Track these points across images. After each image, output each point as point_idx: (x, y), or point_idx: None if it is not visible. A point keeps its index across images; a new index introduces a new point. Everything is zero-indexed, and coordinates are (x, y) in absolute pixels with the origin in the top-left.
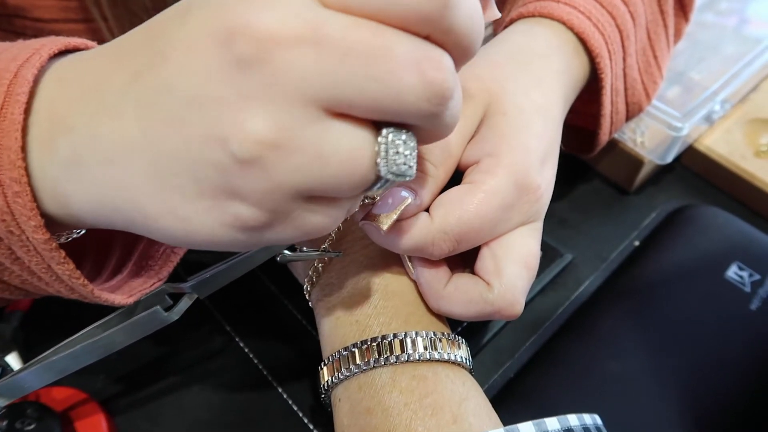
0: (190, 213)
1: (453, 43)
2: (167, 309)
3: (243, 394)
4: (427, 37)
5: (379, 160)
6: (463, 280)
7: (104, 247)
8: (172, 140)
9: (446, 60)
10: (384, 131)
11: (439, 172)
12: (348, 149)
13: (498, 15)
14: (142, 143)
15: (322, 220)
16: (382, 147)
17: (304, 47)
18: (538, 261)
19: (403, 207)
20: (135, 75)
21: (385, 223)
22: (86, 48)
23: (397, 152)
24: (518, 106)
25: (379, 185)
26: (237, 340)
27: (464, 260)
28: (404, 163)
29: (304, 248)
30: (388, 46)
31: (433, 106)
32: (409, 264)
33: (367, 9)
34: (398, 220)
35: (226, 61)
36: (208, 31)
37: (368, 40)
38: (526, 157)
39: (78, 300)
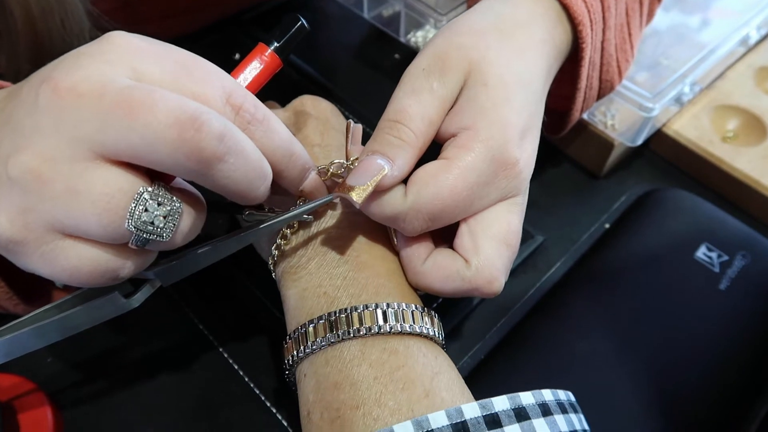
0: None
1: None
2: (128, 295)
3: (201, 377)
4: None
5: (127, 213)
6: (441, 256)
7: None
8: None
9: (212, 123)
10: (142, 188)
11: (419, 141)
12: (100, 192)
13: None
14: None
15: (74, 260)
16: (133, 201)
17: (89, 99)
18: (519, 237)
19: (379, 178)
20: None
21: (360, 195)
22: None
23: (146, 210)
24: (500, 78)
25: (133, 240)
26: (194, 320)
27: (448, 234)
28: (150, 222)
29: (274, 208)
30: (152, 103)
31: (193, 163)
32: (393, 234)
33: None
34: (375, 192)
35: (33, 100)
36: (34, 80)
37: (137, 95)
38: (504, 131)
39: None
